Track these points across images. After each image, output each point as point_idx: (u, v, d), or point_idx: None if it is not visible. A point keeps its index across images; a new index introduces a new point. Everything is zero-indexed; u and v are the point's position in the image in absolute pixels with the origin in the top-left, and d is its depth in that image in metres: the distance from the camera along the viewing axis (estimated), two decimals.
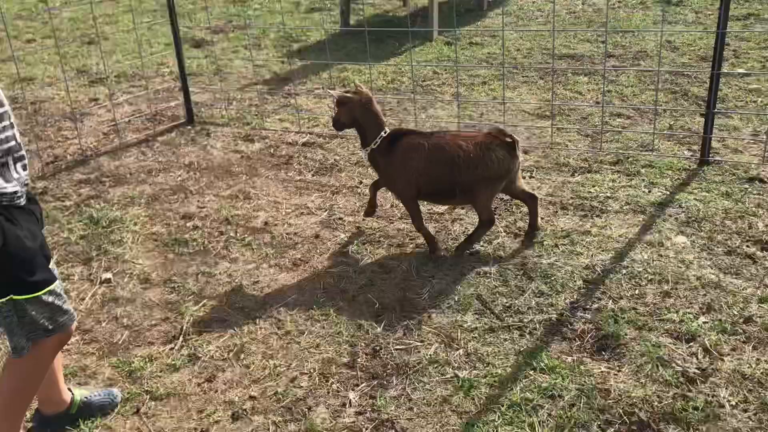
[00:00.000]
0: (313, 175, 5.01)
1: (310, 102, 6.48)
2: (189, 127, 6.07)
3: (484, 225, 3.86)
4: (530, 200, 3.96)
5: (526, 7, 9.55)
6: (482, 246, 3.94)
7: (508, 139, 3.72)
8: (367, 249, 4.01)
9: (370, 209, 4.19)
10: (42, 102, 6.87)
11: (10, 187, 2.28)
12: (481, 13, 9.25)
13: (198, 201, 4.74)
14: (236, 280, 3.81)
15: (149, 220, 4.51)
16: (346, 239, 4.14)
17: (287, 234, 4.24)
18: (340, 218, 4.38)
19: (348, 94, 3.91)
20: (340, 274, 3.79)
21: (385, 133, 3.88)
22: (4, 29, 9.60)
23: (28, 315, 2.33)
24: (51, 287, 2.37)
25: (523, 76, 6.72)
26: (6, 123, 2.29)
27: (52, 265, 2.52)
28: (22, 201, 2.37)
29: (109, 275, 3.92)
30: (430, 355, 3.12)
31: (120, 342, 3.38)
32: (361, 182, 4.81)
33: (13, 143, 2.31)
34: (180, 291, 3.75)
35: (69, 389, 2.90)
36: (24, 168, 2.37)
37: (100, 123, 6.25)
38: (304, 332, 3.34)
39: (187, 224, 4.43)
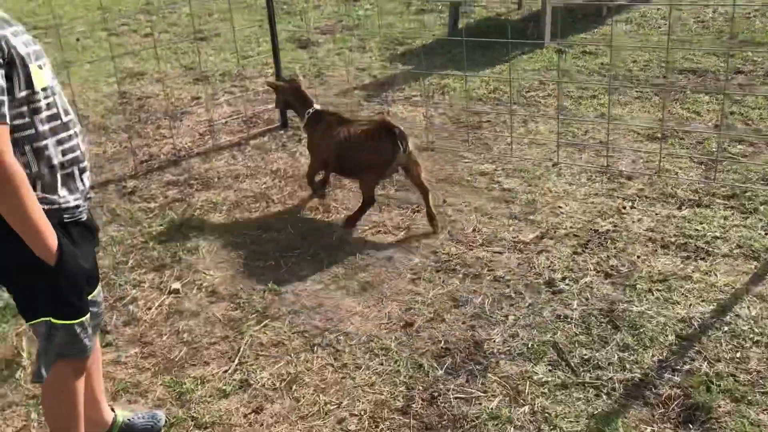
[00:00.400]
0: (396, 191, 4.80)
1: (406, 110, 6.27)
2: (282, 132, 6.01)
3: (365, 203, 4.32)
4: (422, 192, 4.27)
5: (650, 14, 8.91)
6: (567, 284, 3.60)
7: (395, 131, 4.11)
8: (440, 277, 3.77)
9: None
10: (147, 98, 7.04)
11: (73, 201, 2.22)
12: (599, 19, 8.72)
13: (278, 211, 4.65)
14: (302, 301, 3.66)
15: (227, 229, 4.45)
16: (419, 264, 3.91)
17: (360, 254, 4.05)
18: (416, 240, 4.16)
19: (278, 82, 5.08)
20: (407, 303, 3.57)
21: (312, 110, 4.67)
22: (127, 23, 10.01)
23: (54, 340, 2.24)
24: (83, 319, 2.28)
25: (637, 92, 6.22)
26: (71, 132, 2.23)
27: (97, 291, 2.44)
28: (84, 216, 2.31)
29: (178, 285, 3.87)
30: (492, 409, 2.84)
31: (177, 359, 3.31)
32: (445, 201, 4.56)
33: (78, 153, 2.25)
34: (245, 308, 3.65)
35: (112, 409, 2.85)
36: (88, 178, 2.32)
37: (197, 123, 6.31)
38: (361, 367, 3.15)
39: (264, 235, 4.34)
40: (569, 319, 3.34)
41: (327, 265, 3.97)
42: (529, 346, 3.18)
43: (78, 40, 9.36)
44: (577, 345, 3.16)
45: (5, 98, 1.98)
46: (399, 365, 3.13)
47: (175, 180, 5.21)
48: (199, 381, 3.14)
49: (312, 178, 4.73)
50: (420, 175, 4.26)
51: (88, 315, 2.30)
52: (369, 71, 7.44)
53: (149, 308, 3.71)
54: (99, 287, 2.49)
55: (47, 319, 2.23)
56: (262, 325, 3.50)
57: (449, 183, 4.83)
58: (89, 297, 2.37)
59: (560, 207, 4.39)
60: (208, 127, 6.15)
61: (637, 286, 3.54)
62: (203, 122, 6.28)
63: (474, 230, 4.21)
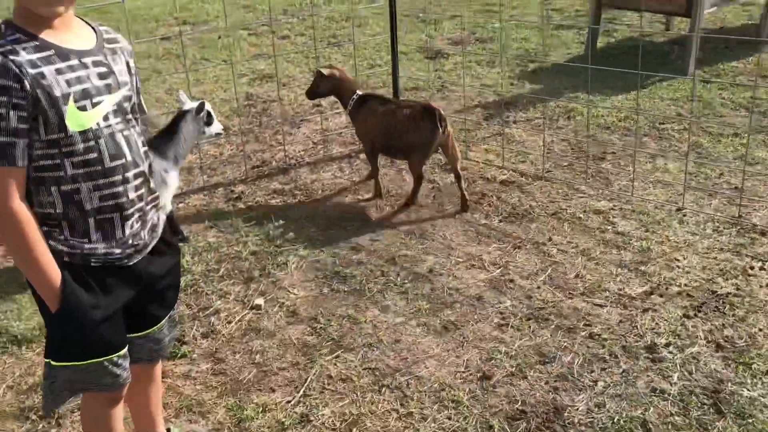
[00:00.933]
0: (499, 221, 4.53)
1: (525, 133, 5.96)
2: None
3: (416, 182, 4.70)
4: (456, 177, 4.68)
5: None
6: (670, 352, 3.22)
7: (436, 112, 4.42)
8: (530, 326, 3.49)
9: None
10: (272, 102, 7.14)
11: (103, 248, 2.10)
12: (757, 45, 7.94)
13: (373, 231, 4.52)
14: (379, 334, 3.51)
15: (320, 246, 4.38)
16: (510, 308, 3.64)
17: (449, 288, 3.84)
18: (511, 280, 3.88)
19: (324, 69, 5.00)
20: (489, 352, 3.32)
21: (356, 96, 4.88)
22: (267, 24, 10.27)
23: (56, 380, 2.17)
24: (102, 359, 2.18)
25: None
26: (117, 177, 2.07)
27: (158, 326, 2.40)
28: (128, 261, 2.17)
29: (261, 301, 3.83)
30: None
31: (245, 381, 3.25)
32: (550, 239, 4.25)
33: (123, 200, 2.10)
34: (320, 334, 3.54)
35: (168, 429, 2.82)
36: (134, 226, 2.15)
37: (313, 131, 6.31)
38: (427, 418, 2.94)
39: (353, 257, 4.22)
40: (666, 395, 2.97)
41: (412, 296, 3.79)
42: (615, 420, 2.85)
43: (219, 38, 9.70)
44: (670, 427, 2.80)
45: (18, 140, 1.89)
46: (468, 423, 2.90)
47: (280, 189, 5.21)
48: (261, 409, 3.06)
49: (376, 173, 4.95)
50: (457, 158, 4.66)
51: (121, 351, 2.23)
52: (495, 88, 7.17)
53: (229, 322, 3.68)
54: (163, 322, 2.43)
55: (47, 360, 2.17)
56: (334, 355, 3.38)
57: (558, 219, 4.50)
58: (142, 333, 2.33)
59: (677, 260, 3.97)
60: (322, 137, 6.13)
61: (753, 365, 3.10)
62: (318, 131, 6.27)
63: (577, 276, 3.88)
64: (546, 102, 6.56)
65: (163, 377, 2.94)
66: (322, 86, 5.02)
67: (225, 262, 4.24)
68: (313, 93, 5.12)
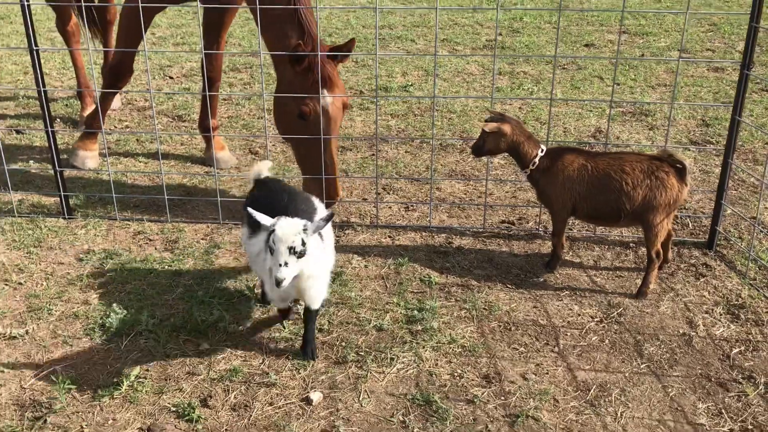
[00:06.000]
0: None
1: None
2: None
3: (653, 262, 3.79)
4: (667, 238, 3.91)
5: None
6: None
7: (678, 165, 3.69)
8: None
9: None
10: None
11: None
12: None
13: None
14: None
15: None
16: None
17: None
18: None
19: (495, 123, 3.89)
20: None
21: (542, 152, 3.90)
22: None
23: None
24: None
25: None
26: None
27: None
28: None
29: None
30: None
31: None
32: None
33: None
34: None
35: None
36: None
37: None
38: None
39: None
40: None
41: None
42: None
43: None
44: None
45: None
46: None
47: None
48: None
49: (561, 239, 4.02)
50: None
51: None
52: None
53: None
54: None
55: None
56: None
57: None
58: None
59: None
60: None
61: None
62: None
63: None
64: None
65: None
66: (488, 143, 3.95)
67: None
68: (478, 150, 4.00)
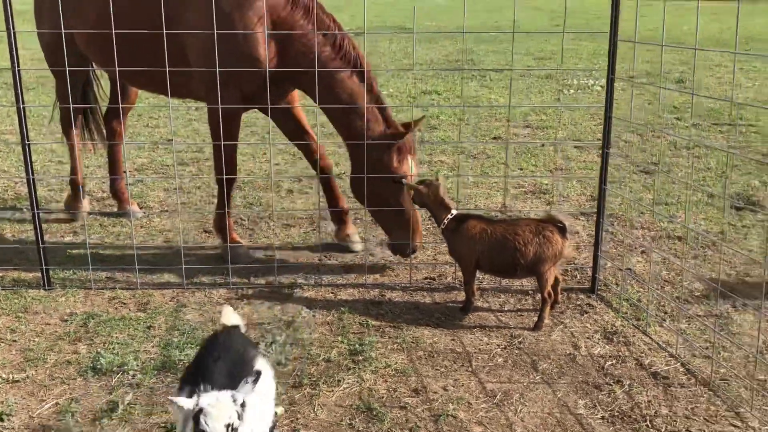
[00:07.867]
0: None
1: None
2: None
3: (546, 301, 4.69)
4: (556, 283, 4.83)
5: None
6: None
7: (560, 224, 4.62)
8: None
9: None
10: None
11: None
12: None
13: None
14: None
15: None
16: None
17: None
18: None
19: (418, 186, 4.94)
20: None
21: (451, 215, 4.83)
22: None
23: None
24: None
25: None
26: None
27: None
28: None
29: None
30: None
31: None
32: None
33: None
34: None
35: None
36: None
37: None
38: None
39: None
40: None
41: None
42: None
43: None
44: None
45: None
46: None
47: None
48: None
49: (471, 286, 4.88)
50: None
51: None
52: None
53: None
54: None
55: None
56: None
57: None
58: None
59: None
60: None
61: None
62: None
63: None
64: None
65: None
66: (416, 198, 5.02)
67: None
68: (412, 199, 5.11)
